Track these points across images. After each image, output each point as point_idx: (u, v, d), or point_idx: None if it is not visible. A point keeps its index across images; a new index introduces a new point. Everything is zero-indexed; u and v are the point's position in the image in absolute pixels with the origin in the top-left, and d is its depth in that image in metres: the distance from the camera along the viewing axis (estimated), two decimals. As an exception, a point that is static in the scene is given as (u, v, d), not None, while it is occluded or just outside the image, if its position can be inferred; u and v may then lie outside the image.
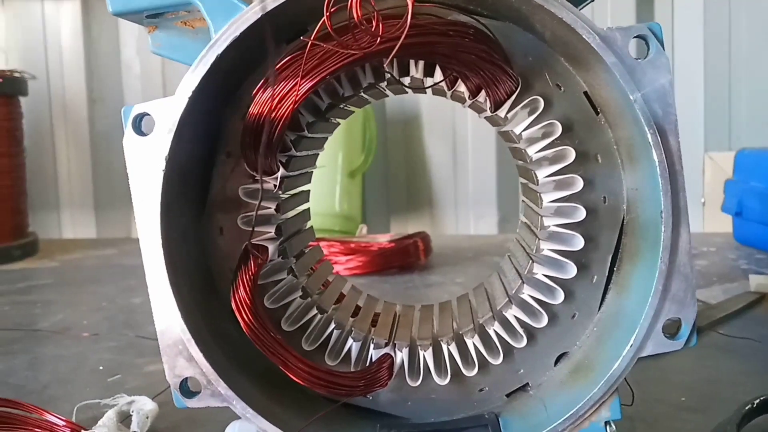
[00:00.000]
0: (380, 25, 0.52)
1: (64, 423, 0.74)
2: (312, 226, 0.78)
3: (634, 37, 0.55)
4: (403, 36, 0.51)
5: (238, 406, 0.59)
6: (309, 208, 0.78)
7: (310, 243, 0.77)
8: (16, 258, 2.13)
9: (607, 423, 0.61)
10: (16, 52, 2.65)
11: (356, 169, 2.31)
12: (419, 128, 2.56)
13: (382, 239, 1.83)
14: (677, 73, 2.31)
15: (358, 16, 0.52)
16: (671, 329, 0.59)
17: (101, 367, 1.07)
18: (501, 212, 2.54)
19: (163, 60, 2.59)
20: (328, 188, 2.21)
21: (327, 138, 0.76)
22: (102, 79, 2.65)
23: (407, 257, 1.77)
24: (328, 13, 0.52)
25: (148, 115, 0.59)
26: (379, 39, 0.53)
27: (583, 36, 0.54)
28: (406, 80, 0.64)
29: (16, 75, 2.15)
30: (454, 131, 2.54)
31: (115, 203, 2.63)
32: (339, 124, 0.76)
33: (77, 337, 1.25)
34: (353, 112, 0.75)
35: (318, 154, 0.77)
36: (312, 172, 0.77)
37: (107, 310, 1.46)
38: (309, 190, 0.78)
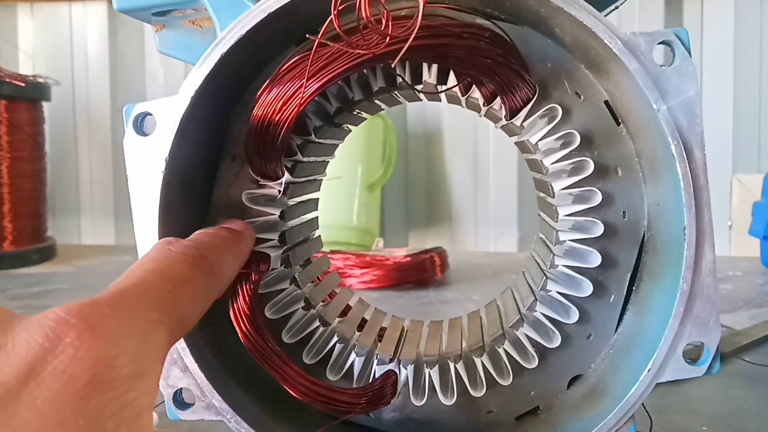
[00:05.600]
0: (390, 24, 0.49)
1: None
2: (320, 236, 0.76)
3: (659, 42, 0.52)
4: (413, 36, 0.49)
5: (232, 420, 0.57)
6: (317, 217, 0.76)
7: (317, 253, 0.74)
8: (34, 262, 2.13)
9: (622, 452, 0.57)
10: (42, 58, 2.68)
11: (375, 182, 2.29)
12: (441, 144, 2.54)
13: (398, 253, 1.79)
14: (704, 91, 2.25)
15: (367, 15, 0.50)
16: (693, 354, 0.55)
17: (106, 375, 1.06)
18: (521, 231, 2.50)
19: (186, 71, 2.61)
20: (346, 201, 2.19)
21: (337, 145, 0.73)
22: (126, 88, 2.67)
23: (423, 272, 1.74)
24: (335, 12, 0.49)
25: (150, 114, 0.57)
26: (388, 39, 0.50)
27: (605, 40, 0.51)
28: (419, 86, 0.62)
29: (40, 80, 2.17)
30: (476, 148, 2.51)
31: (134, 211, 2.62)
32: (350, 131, 0.73)
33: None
34: (365, 119, 0.72)
35: (327, 161, 0.75)
36: (321, 180, 0.75)
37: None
38: (317, 199, 0.76)
